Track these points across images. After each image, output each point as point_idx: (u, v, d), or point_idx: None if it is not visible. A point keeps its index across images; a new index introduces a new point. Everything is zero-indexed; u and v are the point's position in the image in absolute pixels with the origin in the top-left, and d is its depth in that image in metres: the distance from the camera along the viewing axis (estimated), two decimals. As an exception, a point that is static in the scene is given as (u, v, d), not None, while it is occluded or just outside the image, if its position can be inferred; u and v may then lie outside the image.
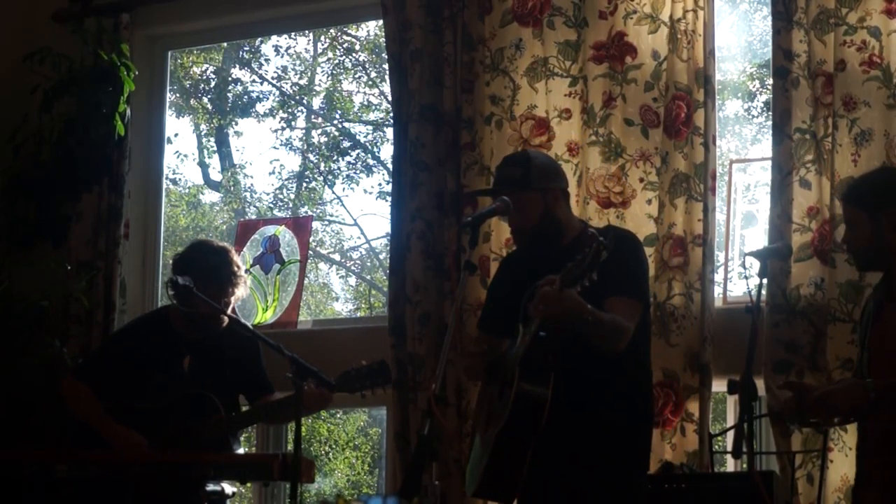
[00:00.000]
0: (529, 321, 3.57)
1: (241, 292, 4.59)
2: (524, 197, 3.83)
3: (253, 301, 5.69)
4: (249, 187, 11.99)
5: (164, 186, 6.27)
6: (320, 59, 11.72)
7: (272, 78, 11.66)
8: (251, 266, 5.76)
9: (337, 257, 11.97)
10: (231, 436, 4.42)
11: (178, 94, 11.22)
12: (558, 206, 3.90)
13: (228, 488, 4.39)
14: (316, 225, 11.26)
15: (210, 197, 12.24)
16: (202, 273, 4.41)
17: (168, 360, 4.50)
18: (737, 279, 5.24)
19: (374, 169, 11.41)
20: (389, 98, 5.52)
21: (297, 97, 11.80)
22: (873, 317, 3.61)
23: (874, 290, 3.74)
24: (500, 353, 3.83)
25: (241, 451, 4.58)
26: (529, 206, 3.83)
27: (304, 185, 11.88)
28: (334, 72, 11.72)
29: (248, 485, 5.51)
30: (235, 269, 4.55)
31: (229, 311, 4.50)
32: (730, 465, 4.73)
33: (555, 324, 3.50)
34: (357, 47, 11.48)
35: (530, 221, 3.82)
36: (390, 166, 6.49)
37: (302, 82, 11.80)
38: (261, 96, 11.66)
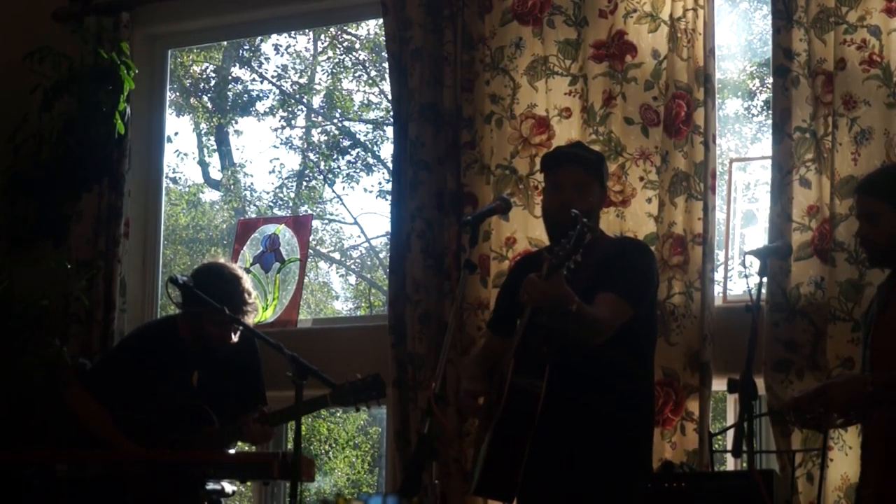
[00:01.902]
0: (523, 312, 3.57)
1: (249, 320, 4.61)
2: (591, 182, 3.89)
3: (258, 313, 5.69)
4: (249, 186, 12.00)
5: (164, 185, 6.26)
6: (320, 58, 11.73)
7: (272, 77, 11.67)
8: (251, 265, 5.76)
9: (337, 256, 11.98)
10: (225, 447, 4.44)
11: (178, 93, 11.22)
12: (601, 210, 3.95)
13: (228, 487, 4.40)
14: (316, 224, 11.27)
15: (210, 196, 12.25)
16: (214, 300, 4.42)
17: (174, 370, 4.52)
18: (737, 278, 5.24)
19: (374, 168, 11.43)
20: (389, 97, 5.52)
21: (297, 96, 11.80)
22: (878, 314, 3.61)
23: (879, 288, 3.73)
24: (501, 356, 3.83)
25: None
26: (590, 192, 3.88)
27: (304, 183, 11.89)
28: (334, 70, 11.73)
29: (248, 484, 5.52)
30: (247, 297, 4.58)
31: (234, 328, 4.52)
32: (730, 464, 4.73)
33: (542, 311, 3.50)
34: (357, 46, 11.49)
35: (584, 205, 3.81)
36: (390, 165, 6.49)
37: (302, 81, 11.81)
38: (261, 95, 11.67)
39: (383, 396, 4.42)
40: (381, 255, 11.28)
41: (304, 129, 11.99)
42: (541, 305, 3.49)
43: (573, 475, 3.65)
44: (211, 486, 4.28)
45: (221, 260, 4.85)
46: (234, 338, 4.53)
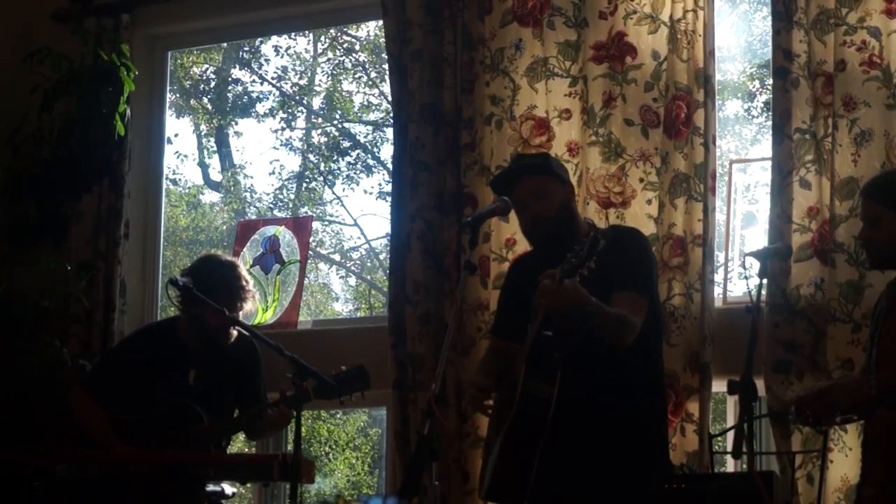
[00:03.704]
0: (534, 317, 3.57)
1: (249, 306, 4.62)
2: (547, 183, 3.84)
3: (256, 300, 5.69)
4: (249, 187, 11.99)
5: (164, 186, 6.26)
6: (320, 60, 11.72)
7: (272, 78, 11.66)
8: (251, 266, 5.76)
9: (337, 257, 11.97)
10: (215, 446, 4.43)
11: (178, 95, 11.21)
12: (573, 203, 3.91)
13: (228, 488, 4.40)
14: (316, 225, 11.26)
15: (210, 197, 12.24)
16: (213, 287, 4.42)
17: (173, 371, 4.52)
18: (737, 279, 5.24)
19: (374, 169, 11.42)
20: (389, 98, 5.52)
21: (297, 97, 11.80)
22: (884, 314, 3.61)
23: (887, 288, 3.73)
24: (511, 360, 3.81)
25: None
26: (552, 192, 3.83)
27: (304, 185, 11.88)
28: (334, 72, 11.72)
29: (248, 485, 5.52)
30: (244, 283, 4.59)
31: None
32: (730, 465, 4.73)
33: (558, 316, 3.50)
34: (357, 47, 11.48)
35: (551, 209, 3.79)
36: (390, 166, 6.49)
37: (302, 82, 11.81)
38: (261, 96, 11.67)
39: (368, 388, 4.36)
40: (381, 257, 11.28)
41: (304, 131, 11.99)
42: (558, 310, 3.48)
43: (586, 478, 3.64)
44: (211, 487, 4.28)
45: (217, 252, 4.86)
46: (234, 330, 4.52)
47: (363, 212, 12.92)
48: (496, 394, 3.86)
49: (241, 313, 4.63)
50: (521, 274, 4.01)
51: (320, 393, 4.23)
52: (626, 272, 3.67)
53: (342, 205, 11.72)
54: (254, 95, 11.67)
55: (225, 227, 11.71)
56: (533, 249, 4.02)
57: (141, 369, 4.52)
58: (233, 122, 11.79)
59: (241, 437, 5.25)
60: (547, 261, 3.67)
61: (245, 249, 5.84)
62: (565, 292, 3.42)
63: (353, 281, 12.00)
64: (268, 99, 11.65)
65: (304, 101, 11.86)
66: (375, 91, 11.39)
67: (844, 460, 4.36)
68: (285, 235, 5.82)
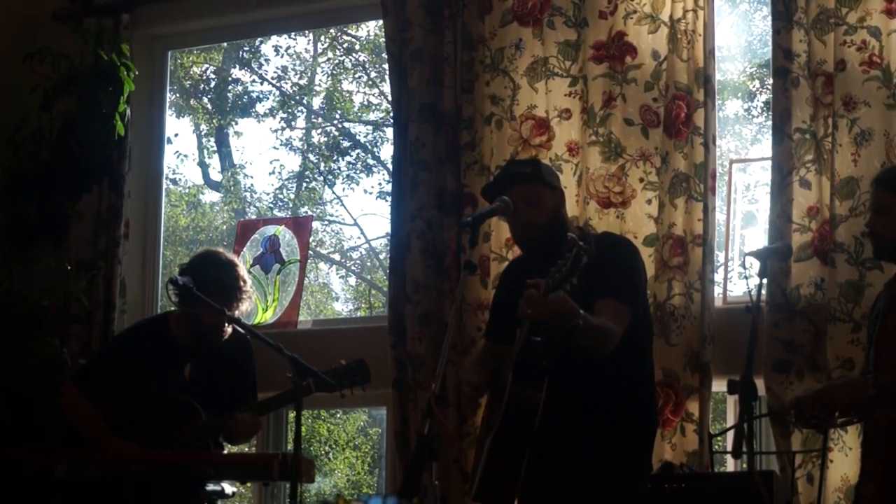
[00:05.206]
0: (522, 325, 3.57)
1: (245, 307, 4.60)
2: (537, 191, 3.83)
3: (253, 301, 5.69)
4: (249, 187, 11.99)
5: (164, 186, 6.27)
6: (320, 59, 11.72)
7: (272, 78, 11.66)
8: (251, 266, 5.76)
9: (337, 257, 11.97)
10: (213, 441, 4.43)
11: (178, 94, 11.21)
12: (563, 209, 3.91)
13: (228, 488, 4.40)
14: (316, 225, 11.26)
15: (210, 197, 12.24)
16: (209, 285, 4.41)
17: (166, 367, 4.51)
18: (737, 279, 5.25)
19: (374, 169, 11.42)
20: (389, 98, 5.52)
21: (297, 97, 11.80)
22: (883, 313, 3.61)
23: (886, 286, 3.73)
24: (502, 362, 3.82)
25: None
26: (542, 200, 3.82)
27: (304, 185, 11.88)
28: (334, 72, 11.72)
29: (248, 485, 5.52)
30: (242, 283, 4.57)
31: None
32: (730, 464, 4.73)
33: (544, 327, 3.50)
34: (357, 47, 11.48)
35: (542, 216, 3.79)
36: (390, 166, 6.49)
37: (302, 82, 11.80)
38: (261, 96, 11.66)
39: (368, 381, 4.37)
40: (381, 256, 11.28)
41: (304, 131, 11.99)
42: (544, 322, 3.48)
43: (575, 480, 3.65)
44: (211, 486, 4.28)
45: (218, 249, 4.84)
46: (227, 328, 4.52)
47: (363, 211, 12.92)
48: (487, 395, 3.86)
49: (236, 313, 4.61)
50: (513, 278, 4.01)
51: (321, 386, 4.22)
52: (611, 280, 3.67)
53: (342, 204, 11.72)
54: (254, 95, 11.67)
55: (225, 226, 11.70)
56: (522, 257, 4.03)
57: (135, 366, 4.51)
58: (233, 122, 11.79)
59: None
60: (538, 266, 3.68)
61: (245, 249, 5.85)
62: (552, 305, 3.42)
63: (353, 281, 12.00)
64: (268, 99, 11.66)
65: (304, 101, 11.86)
66: (375, 91, 11.40)
67: (844, 460, 4.36)
68: (285, 235, 5.82)
